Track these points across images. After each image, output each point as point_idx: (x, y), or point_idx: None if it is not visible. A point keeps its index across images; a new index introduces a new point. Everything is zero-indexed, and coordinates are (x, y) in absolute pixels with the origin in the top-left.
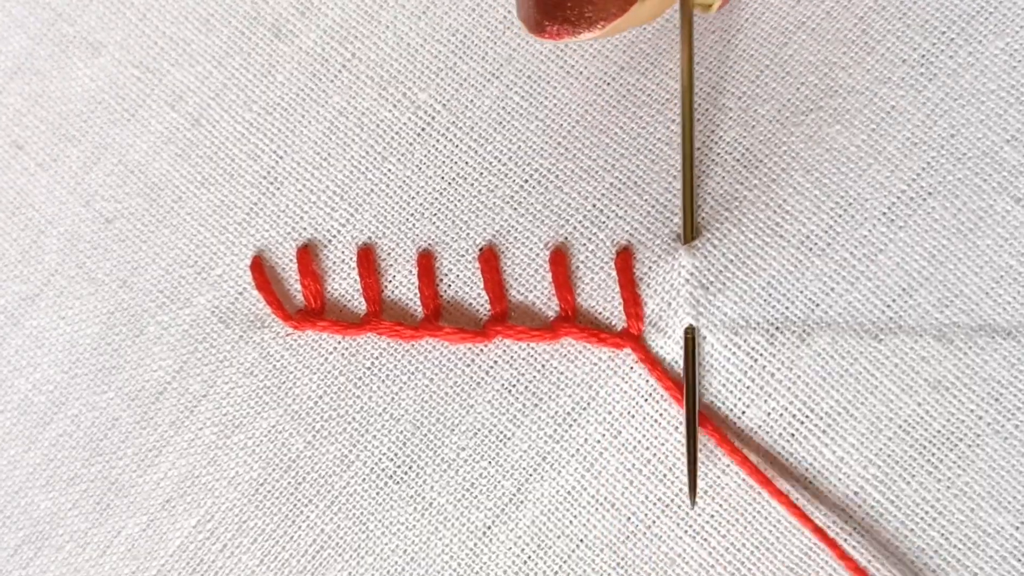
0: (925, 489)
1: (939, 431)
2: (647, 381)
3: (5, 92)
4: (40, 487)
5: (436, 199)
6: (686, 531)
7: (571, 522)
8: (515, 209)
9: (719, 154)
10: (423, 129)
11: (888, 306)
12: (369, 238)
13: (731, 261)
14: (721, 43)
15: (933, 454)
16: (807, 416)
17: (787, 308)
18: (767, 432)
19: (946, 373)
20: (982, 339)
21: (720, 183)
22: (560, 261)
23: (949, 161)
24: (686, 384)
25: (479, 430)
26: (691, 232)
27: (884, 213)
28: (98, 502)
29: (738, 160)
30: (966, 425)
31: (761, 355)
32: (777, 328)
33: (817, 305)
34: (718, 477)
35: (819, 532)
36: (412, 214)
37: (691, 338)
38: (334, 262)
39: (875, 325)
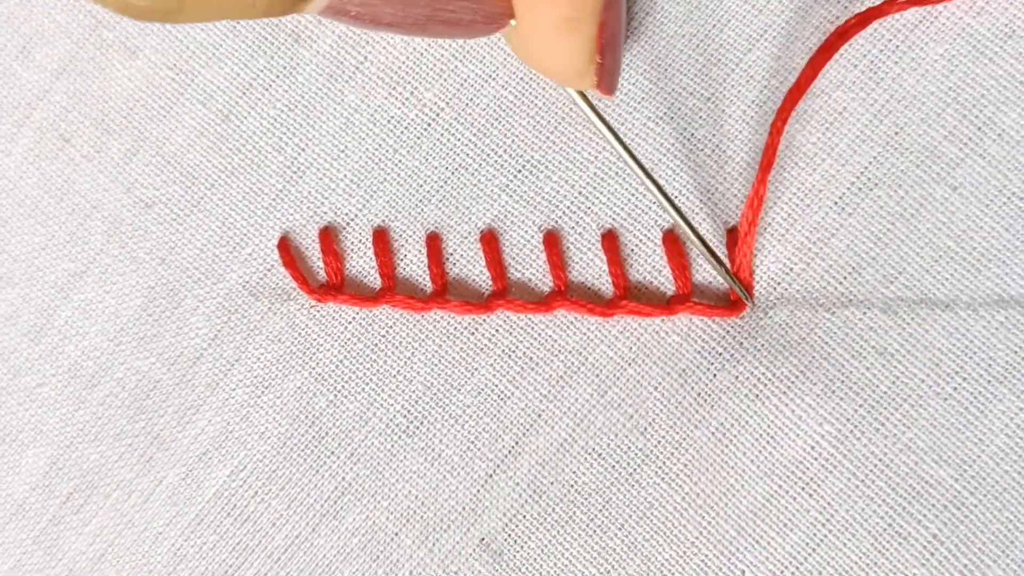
0: (874, 444)
1: (885, 392)
2: (630, 348)
3: (52, 91)
4: (89, 442)
5: (441, 187)
6: (663, 478)
7: (563, 471)
8: (511, 196)
9: (691, 150)
10: (429, 124)
11: (840, 283)
12: (383, 221)
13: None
14: (691, 47)
15: (880, 413)
16: (770, 379)
17: (753, 286)
18: (735, 392)
19: (891, 342)
20: (923, 311)
21: (692, 176)
22: (553, 243)
23: (893, 155)
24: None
25: (482, 390)
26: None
27: (835, 202)
28: (142, 455)
29: (708, 155)
30: (909, 387)
31: (731, 327)
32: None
33: (778, 283)
34: (691, 431)
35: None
36: (421, 200)
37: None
38: (352, 243)
39: (829, 299)
